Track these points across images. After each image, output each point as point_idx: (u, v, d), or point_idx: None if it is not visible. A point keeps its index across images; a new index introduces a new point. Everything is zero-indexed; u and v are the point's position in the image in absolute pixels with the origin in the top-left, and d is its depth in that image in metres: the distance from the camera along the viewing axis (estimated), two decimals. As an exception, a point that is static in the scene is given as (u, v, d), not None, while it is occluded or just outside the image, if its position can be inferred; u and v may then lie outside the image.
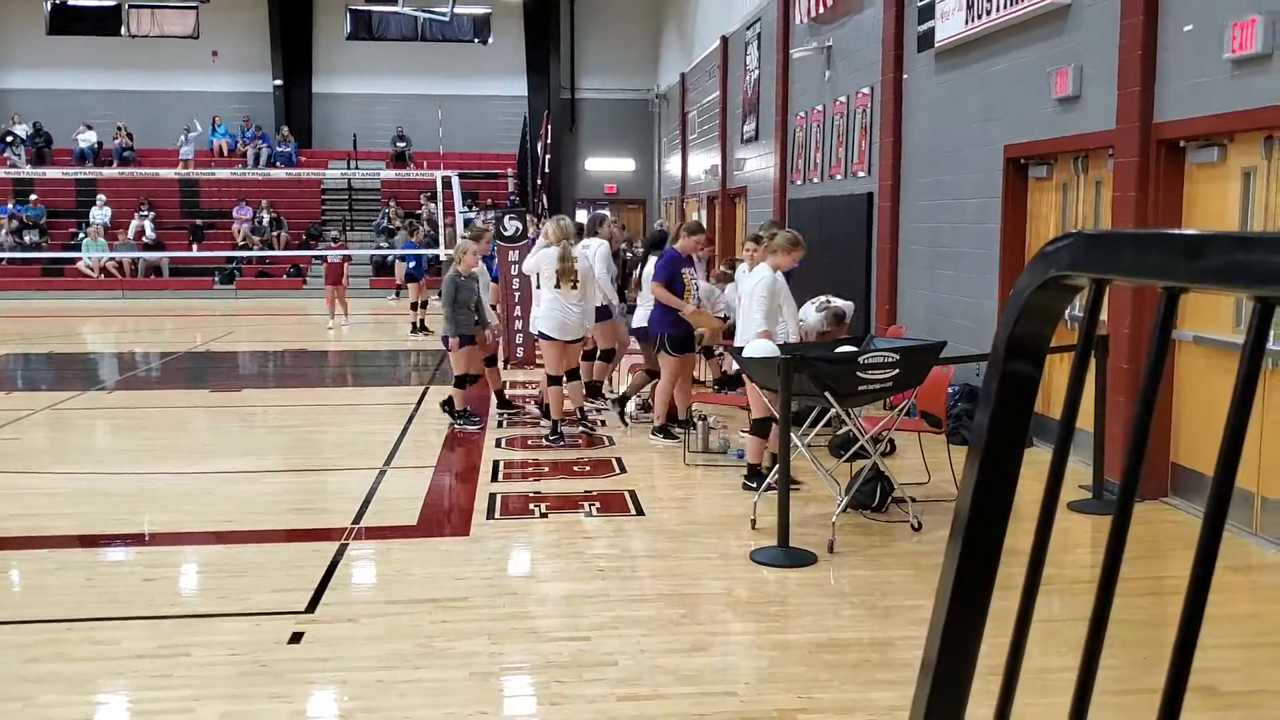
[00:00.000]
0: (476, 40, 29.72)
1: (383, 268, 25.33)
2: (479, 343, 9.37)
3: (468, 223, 17.01)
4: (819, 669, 4.41)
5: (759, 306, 6.87)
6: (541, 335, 8.93)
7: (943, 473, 7.37)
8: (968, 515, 0.96)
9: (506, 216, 13.63)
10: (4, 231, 25.63)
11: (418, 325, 17.00)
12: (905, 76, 11.12)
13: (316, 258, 25.18)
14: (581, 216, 29.46)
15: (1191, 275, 0.75)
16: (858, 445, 6.72)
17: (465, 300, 9.11)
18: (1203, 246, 0.74)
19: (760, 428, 7.22)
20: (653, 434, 8.86)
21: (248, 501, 7.14)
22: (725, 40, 19.93)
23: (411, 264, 17.12)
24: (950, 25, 9.65)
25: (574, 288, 8.78)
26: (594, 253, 9.65)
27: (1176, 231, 0.78)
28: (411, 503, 7.01)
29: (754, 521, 6.42)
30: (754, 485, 7.06)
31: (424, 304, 17.21)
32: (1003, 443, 0.98)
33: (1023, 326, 0.93)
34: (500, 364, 13.11)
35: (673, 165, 26.92)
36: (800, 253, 7.10)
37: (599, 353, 10.15)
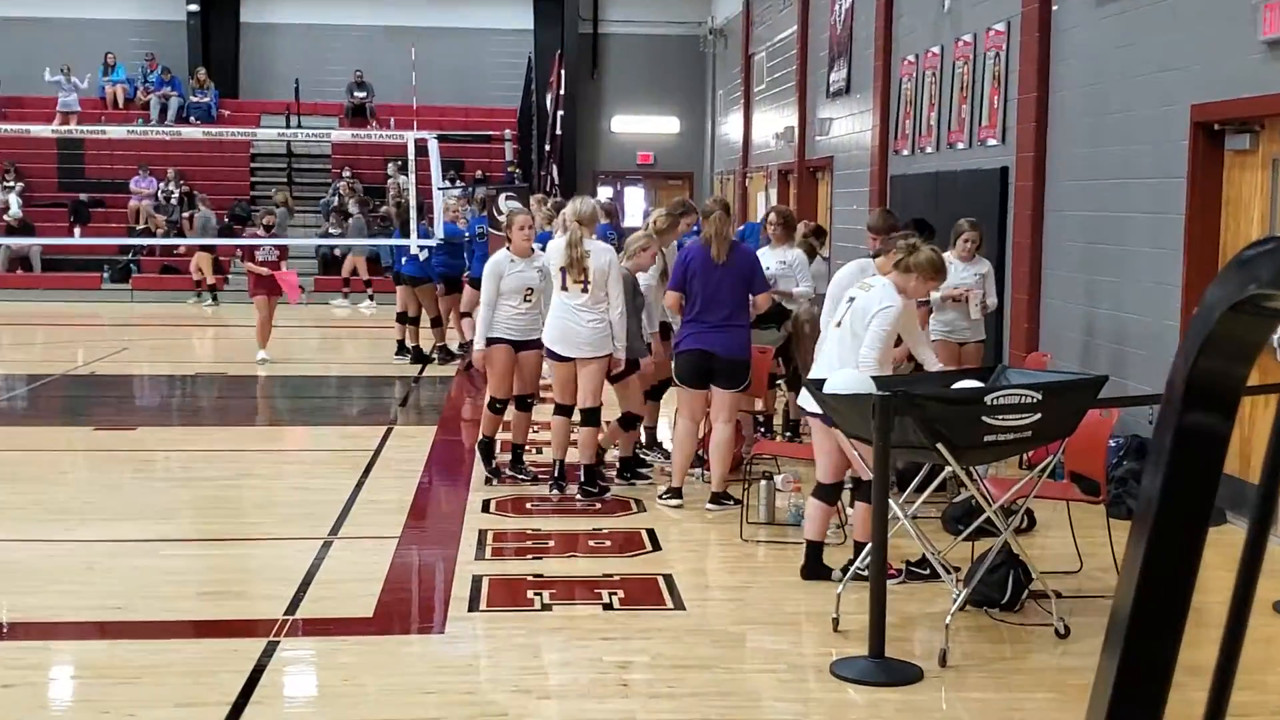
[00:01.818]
0: (467, -47, 30.02)
1: (331, 263, 25.51)
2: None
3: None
4: (925, 828, 4.39)
5: (874, 342, 6.84)
6: (547, 352, 9.15)
7: (1100, 558, 7.33)
8: (1129, 615, 0.96)
9: (503, 195, 13.72)
10: None
11: (435, 346, 16.54)
12: (1055, 7, 11.14)
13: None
14: (605, 195, 29.66)
15: None
16: (982, 518, 6.69)
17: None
18: None
19: (828, 493, 7.23)
20: (710, 504, 8.84)
21: (144, 581, 7.15)
22: (806, -44, 20.04)
23: (404, 260, 16.83)
24: (1117, -61, 9.67)
25: (584, 290, 8.92)
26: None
27: None
28: (366, 586, 7.04)
29: (836, 621, 6.41)
30: (824, 574, 7.09)
31: (437, 320, 16.45)
32: (1179, 517, 0.99)
33: (1209, 362, 0.94)
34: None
35: (731, 127, 27.02)
36: (941, 282, 7.15)
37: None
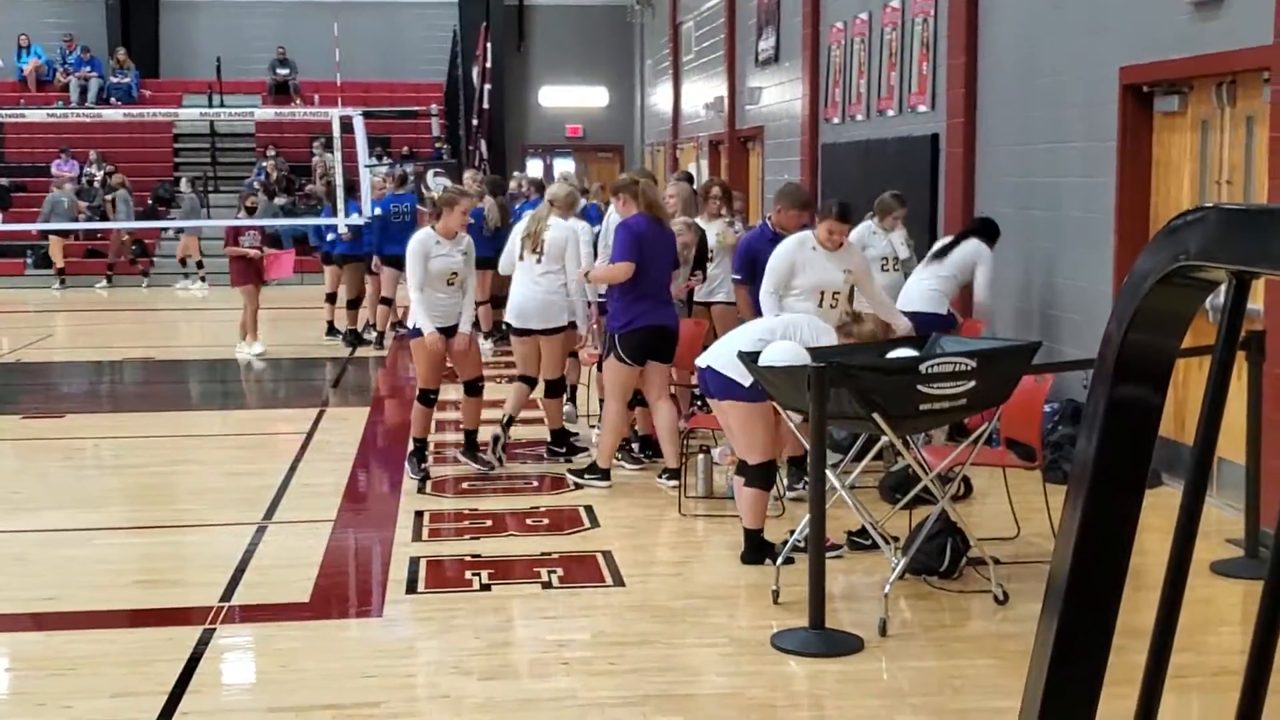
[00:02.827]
0: (388, -75, 29.77)
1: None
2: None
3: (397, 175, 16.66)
4: (869, 797, 4.43)
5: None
6: (509, 327, 9.51)
7: (1037, 523, 7.42)
8: (1067, 579, 0.97)
9: (431, 172, 13.62)
10: None
11: (347, 329, 16.22)
12: (982, -26, 11.20)
13: (169, 232, 25.13)
14: (534, 169, 29.52)
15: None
16: (919, 487, 6.74)
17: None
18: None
19: (762, 475, 7.04)
20: (672, 479, 8.70)
21: (76, 571, 7.11)
22: (733, -76, 20.01)
23: (330, 238, 16.56)
24: (1043, -96, 9.73)
25: (538, 261, 9.17)
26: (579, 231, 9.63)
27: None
28: (302, 571, 7.02)
29: (776, 593, 6.45)
30: (759, 558, 7.03)
31: (355, 302, 16.12)
32: (1114, 483, 1.00)
33: (1140, 334, 0.95)
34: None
35: (661, 98, 26.96)
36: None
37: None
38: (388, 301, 15.82)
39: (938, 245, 10.14)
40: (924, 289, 9.74)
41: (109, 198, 25.33)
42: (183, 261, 24.38)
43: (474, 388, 9.24)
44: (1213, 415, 0.93)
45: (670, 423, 8.76)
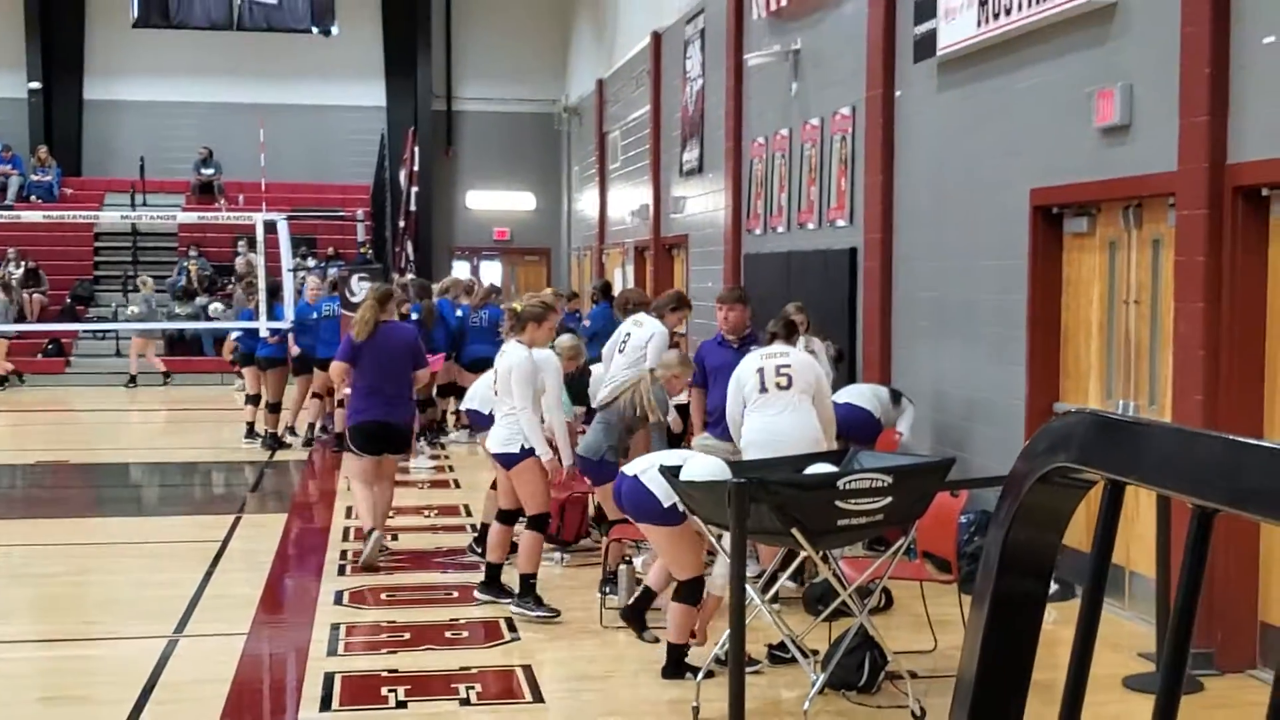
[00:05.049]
0: (316, 30, 29.88)
1: (178, 343, 25.13)
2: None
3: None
4: None
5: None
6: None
7: (953, 634, 7.45)
8: (975, 680, 0.99)
9: (355, 275, 13.64)
10: None
11: (267, 432, 16.13)
12: (898, 93, 11.42)
13: (92, 334, 24.86)
14: (461, 270, 29.60)
15: (1234, 498, 0.80)
16: (839, 600, 6.77)
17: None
18: (1248, 460, 0.79)
19: (691, 591, 6.95)
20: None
21: (-22, 687, 6.96)
22: (658, 37, 20.32)
23: (247, 340, 16.44)
24: (958, 27, 9.98)
25: None
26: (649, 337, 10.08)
27: (1218, 434, 0.82)
28: (214, 687, 6.91)
29: (697, 710, 6.43)
30: (680, 673, 6.99)
31: (276, 406, 15.97)
32: (999, 678, 1.02)
33: (1021, 532, 0.97)
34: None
35: (587, 203, 27.19)
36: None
37: None
38: (275, 408, 15.82)
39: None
40: (860, 390, 10.40)
41: (26, 294, 25.08)
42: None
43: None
44: (1088, 637, 0.96)
45: (387, 501, 9.86)
